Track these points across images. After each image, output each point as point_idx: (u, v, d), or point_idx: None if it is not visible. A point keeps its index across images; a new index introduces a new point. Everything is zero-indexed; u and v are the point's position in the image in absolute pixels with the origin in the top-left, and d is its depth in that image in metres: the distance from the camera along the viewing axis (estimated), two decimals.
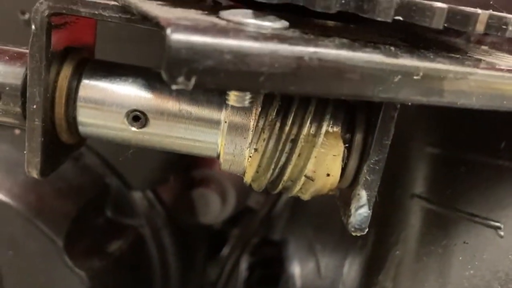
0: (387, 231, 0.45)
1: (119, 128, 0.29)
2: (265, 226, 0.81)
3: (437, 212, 0.41)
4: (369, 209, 0.28)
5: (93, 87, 0.29)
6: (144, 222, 0.59)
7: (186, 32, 0.19)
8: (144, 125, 0.28)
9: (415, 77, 0.23)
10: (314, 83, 0.21)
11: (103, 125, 0.29)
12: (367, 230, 0.28)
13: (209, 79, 0.19)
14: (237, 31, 0.20)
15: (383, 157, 0.27)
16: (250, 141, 0.28)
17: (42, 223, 0.49)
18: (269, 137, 0.28)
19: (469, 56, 0.26)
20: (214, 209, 0.69)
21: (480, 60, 0.26)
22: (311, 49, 0.21)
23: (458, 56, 0.25)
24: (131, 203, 0.58)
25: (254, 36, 0.20)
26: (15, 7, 0.51)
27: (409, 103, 0.25)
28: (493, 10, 0.24)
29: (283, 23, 0.22)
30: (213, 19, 0.21)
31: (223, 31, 0.20)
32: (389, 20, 0.21)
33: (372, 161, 0.27)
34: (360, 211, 0.28)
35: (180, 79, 0.19)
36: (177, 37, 0.19)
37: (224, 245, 0.82)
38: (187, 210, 0.65)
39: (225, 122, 0.28)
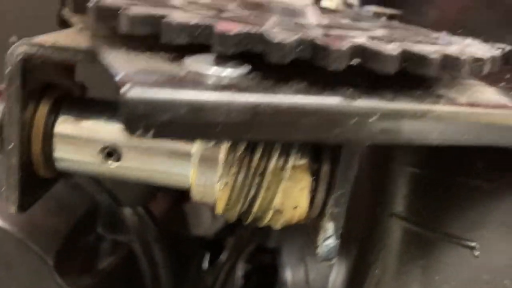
0: (367, 248, 0.45)
1: (94, 163, 0.30)
2: (260, 234, 0.81)
3: (415, 232, 0.42)
4: (336, 239, 0.29)
5: (69, 124, 0.30)
6: (135, 237, 0.60)
7: (142, 88, 0.20)
8: (118, 159, 0.29)
9: (371, 119, 0.24)
10: (270, 131, 0.22)
11: (78, 160, 0.30)
12: (335, 259, 0.29)
13: (166, 132, 0.20)
14: (194, 83, 0.21)
15: (348, 190, 0.28)
16: (220, 175, 0.29)
17: (33, 243, 0.50)
18: (238, 172, 0.28)
19: (432, 92, 0.27)
20: (205, 220, 0.70)
21: (441, 96, 0.27)
22: (267, 98, 0.22)
23: (419, 92, 0.26)
24: (121, 219, 0.59)
25: (211, 88, 0.21)
26: None
27: (367, 144, 0.26)
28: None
29: (245, 69, 0.23)
30: (174, 68, 0.22)
31: (179, 84, 0.20)
32: (342, 69, 0.22)
33: (337, 194, 0.28)
34: (327, 242, 0.29)
35: (139, 132, 0.20)
36: (133, 94, 0.19)
37: (219, 254, 0.83)
38: (178, 223, 0.66)
39: (196, 155, 0.29)
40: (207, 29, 0.23)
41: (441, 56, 0.24)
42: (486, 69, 0.27)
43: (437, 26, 0.42)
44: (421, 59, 0.23)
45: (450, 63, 0.25)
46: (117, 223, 0.59)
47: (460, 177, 0.41)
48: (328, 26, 0.32)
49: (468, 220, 0.40)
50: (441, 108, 0.25)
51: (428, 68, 0.23)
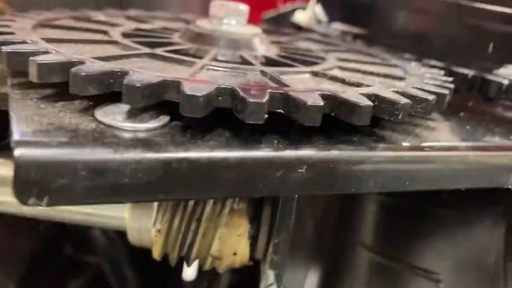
0: (335, 277, 0.44)
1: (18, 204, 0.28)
2: None
3: (381, 263, 0.40)
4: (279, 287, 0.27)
5: None
6: (104, 258, 0.58)
7: (37, 150, 0.18)
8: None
9: (299, 170, 0.22)
10: (185, 189, 0.20)
11: (12, 202, 0.29)
12: None
13: (63, 197, 0.19)
14: (98, 140, 0.19)
15: (287, 238, 0.26)
16: (154, 221, 0.27)
17: None
18: (172, 218, 0.27)
19: (372, 135, 0.25)
20: None
21: (382, 139, 0.25)
22: (181, 154, 0.20)
23: (357, 136, 0.24)
24: (90, 240, 0.58)
25: (115, 146, 0.19)
26: None
27: (297, 195, 0.24)
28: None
29: (162, 120, 0.22)
30: (82, 122, 0.21)
31: (80, 144, 0.19)
32: (261, 122, 0.21)
33: (276, 241, 0.27)
34: None
35: (31, 200, 0.18)
36: (25, 157, 0.18)
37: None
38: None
39: None
40: (119, 79, 0.21)
41: (375, 102, 0.23)
42: (430, 109, 0.25)
43: (403, 46, 0.41)
44: (351, 107, 0.22)
45: (384, 110, 0.23)
46: (86, 244, 0.58)
47: (427, 205, 0.39)
48: (272, 60, 0.31)
49: (434, 250, 0.39)
50: (378, 154, 0.24)
51: (358, 118, 0.22)
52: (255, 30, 0.32)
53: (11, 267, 0.50)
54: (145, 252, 0.63)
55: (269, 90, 0.21)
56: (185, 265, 0.29)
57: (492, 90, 0.35)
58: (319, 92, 0.22)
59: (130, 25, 0.35)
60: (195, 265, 0.31)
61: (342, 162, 0.23)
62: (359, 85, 0.26)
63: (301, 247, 0.47)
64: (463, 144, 0.27)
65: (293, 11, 0.61)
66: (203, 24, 0.32)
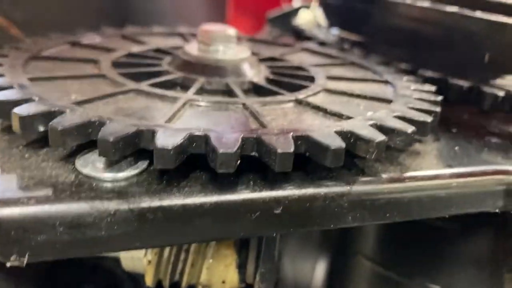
0: (335, 285, 0.45)
1: None
2: None
3: (380, 273, 0.41)
4: None
5: None
6: None
7: (16, 208, 0.19)
8: None
9: (276, 211, 0.23)
10: (162, 236, 0.21)
11: None
12: None
13: (43, 252, 0.20)
14: (73, 196, 0.20)
15: (272, 267, 0.27)
16: (145, 252, 0.28)
17: None
18: (162, 249, 0.28)
19: (352, 168, 0.25)
20: None
21: (361, 172, 0.25)
22: (155, 204, 0.21)
23: (333, 174, 0.25)
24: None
25: (91, 200, 0.20)
26: None
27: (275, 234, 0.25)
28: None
29: (140, 166, 0.22)
30: (63, 173, 0.22)
31: (58, 200, 0.20)
32: (232, 171, 0.21)
33: (262, 270, 0.27)
34: None
35: (13, 257, 0.19)
36: (6, 216, 0.19)
37: None
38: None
39: None
40: (97, 129, 0.22)
41: (350, 139, 0.23)
42: (409, 142, 0.25)
43: (399, 55, 0.40)
44: (323, 150, 0.22)
45: (359, 148, 0.23)
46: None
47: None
48: (258, 87, 0.31)
49: (434, 262, 0.39)
50: (356, 190, 0.24)
51: (330, 160, 0.22)
52: (244, 53, 0.33)
53: None
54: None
55: (242, 136, 0.21)
56: None
57: (487, 102, 0.34)
58: (293, 133, 0.22)
59: (123, 48, 0.36)
60: None
61: (319, 199, 0.23)
62: (340, 116, 0.26)
63: (307, 253, 0.48)
64: (447, 171, 0.27)
65: (297, 10, 0.61)
66: (191, 50, 0.32)
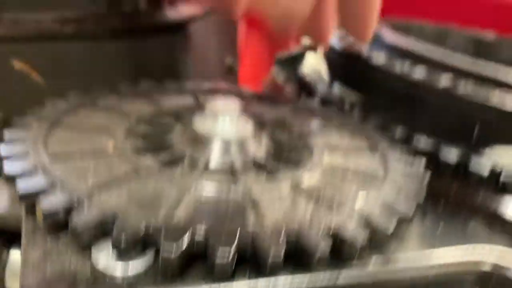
0: None
1: None
2: None
3: None
4: None
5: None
6: None
7: None
8: None
9: None
10: None
11: None
12: None
13: None
14: None
15: None
16: None
17: None
18: None
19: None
20: None
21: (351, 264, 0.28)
22: None
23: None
24: None
25: None
26: None
27: None
28: None
29: (148, 257, 0.25)
30: (79, 269, 0.24)
31: None
32: (230, 270, 0.24)
33: None
34: None
35: None
36: None
37: None
38: None
39: None
40: (111, 225, 0.25)
41: (336, 241, 0.26)
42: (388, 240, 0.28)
43: (396, 118, 0.43)
44: (309, 255, 0.25)
45: (343, 251, 0.26)
46: None
47: None
48: (259, 166, 0.33)
49: None
50: (343, 276, 0.26)
51: (312, 261, 0.25)
52: (249, 128, 0.35)
53: None
54: None
55: (237, 240, 0.24)
56: None
57: (472, 180, 0.37)
58: (284, 234, 0.25)
59: (137, 111, 0.39)
60: None
61: None
62: (330, 205, 0.29)
63: None
64: (423, 264, 0.29)
65: (303, 54, 0.63)
66: (199, 124, 0.35)
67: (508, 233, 0.33)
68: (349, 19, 0.41)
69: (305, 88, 0.52)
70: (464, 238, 0.32)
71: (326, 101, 0.47)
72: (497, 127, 0.38)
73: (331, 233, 0.26)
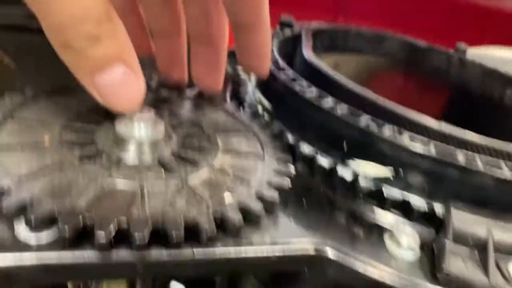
0: None
1: None
2: None
3: None
4: None
5: None
6: None
7: None
8: None
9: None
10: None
11: None
12: None
13: None
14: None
15: None
16: None
17: None
18: None
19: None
20: None
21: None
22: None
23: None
24: None
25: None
26: None
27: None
28: None
29: (54, 234, 0.35)
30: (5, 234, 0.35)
31: None
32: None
33: None
34: None
35: None
36: None
37: None
38: None
39: None
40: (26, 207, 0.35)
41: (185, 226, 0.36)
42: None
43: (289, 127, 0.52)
44: (166, 233, 0.35)
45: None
46: None
47: None
48: (164, 164, 0.43)
49: None
50: (198, 252, 0.37)
51: (172, 240, 0.35)
52: (158, 132, 0.44)
53: None
54: None
55: (112, 224, 0.34)
56: None
57: (338, 183, 0.47)
58: (151, 221, 0.35)
59: (78, 106, 0.48)
60: None
61: None
62: (200, 201, 0.39)
63: None
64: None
65: None
66: (119, 126, 0.44)
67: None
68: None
69: (235, 86, 0.61)
70: (309, 229, 0.42)
71: (245, 105, 0.57)
72: (359, 145, 0.47)
73: (189, 221, 0.36)
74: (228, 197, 0.40)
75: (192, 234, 0.36)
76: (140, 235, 0.34)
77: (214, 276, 0.50)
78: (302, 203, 0.45)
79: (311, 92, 0.50)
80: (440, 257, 0.39)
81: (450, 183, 0.43)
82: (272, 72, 0.53)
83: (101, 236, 0.34)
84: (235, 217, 0.38)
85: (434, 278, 0.39)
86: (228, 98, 0.60)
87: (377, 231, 0.43)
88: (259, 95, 0.58)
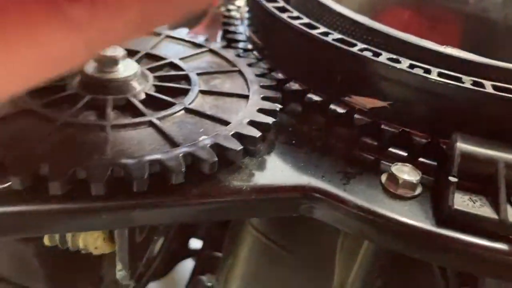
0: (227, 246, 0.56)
1: None
2: None
3: (266, 244, 0.51)
4: (126, 272, 0.40)
5: None
6: None
7: None
8: None
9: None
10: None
11: None
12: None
13: None
14: None
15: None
16: None
17: None
18: None
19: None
20: None
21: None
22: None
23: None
24: None
25: None
26: None
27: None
28: None
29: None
30: None
31: None
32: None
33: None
34: (120, 273, 0.40)
35: None
36: None
37: None
38: None
39: None
40: None
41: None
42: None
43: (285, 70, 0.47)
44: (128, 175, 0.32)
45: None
46: None
47: None
48: (131, 107, 0.40)
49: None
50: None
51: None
52: (133, 69, 0.41)
53: None
54: None
55: (69, 169, 0.31)
56: None
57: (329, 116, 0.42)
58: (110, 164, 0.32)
59: None
60: None
61: None
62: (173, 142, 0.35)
63: None
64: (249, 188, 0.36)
65: None
66: (89, 68, 0.41)
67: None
68: None
69: (224, 26, 0.56)
70: (298, 170, 0.38)
71: (233, 45, 0.52)
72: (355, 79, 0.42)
73: (155, 165, 0.33)
74: (202, 138, 0.36)
75: (161, 179, 0.33)
76: (99, 185, 0.31)
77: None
78: (291, 144, 0.41)
79: (301, 20, 0.45)
80: (444, 194, 0.35)
81: (455, 112, 0.38)
82: (262, 3, 0.48)
83: (54, 184, 0.31)
84: (209, 157, 0.34)
85: (437, 218, 0.35)
86: (218, 38, 0.56)
87: (373, 169, 0.39)
88: (251, 34, 0.53)
